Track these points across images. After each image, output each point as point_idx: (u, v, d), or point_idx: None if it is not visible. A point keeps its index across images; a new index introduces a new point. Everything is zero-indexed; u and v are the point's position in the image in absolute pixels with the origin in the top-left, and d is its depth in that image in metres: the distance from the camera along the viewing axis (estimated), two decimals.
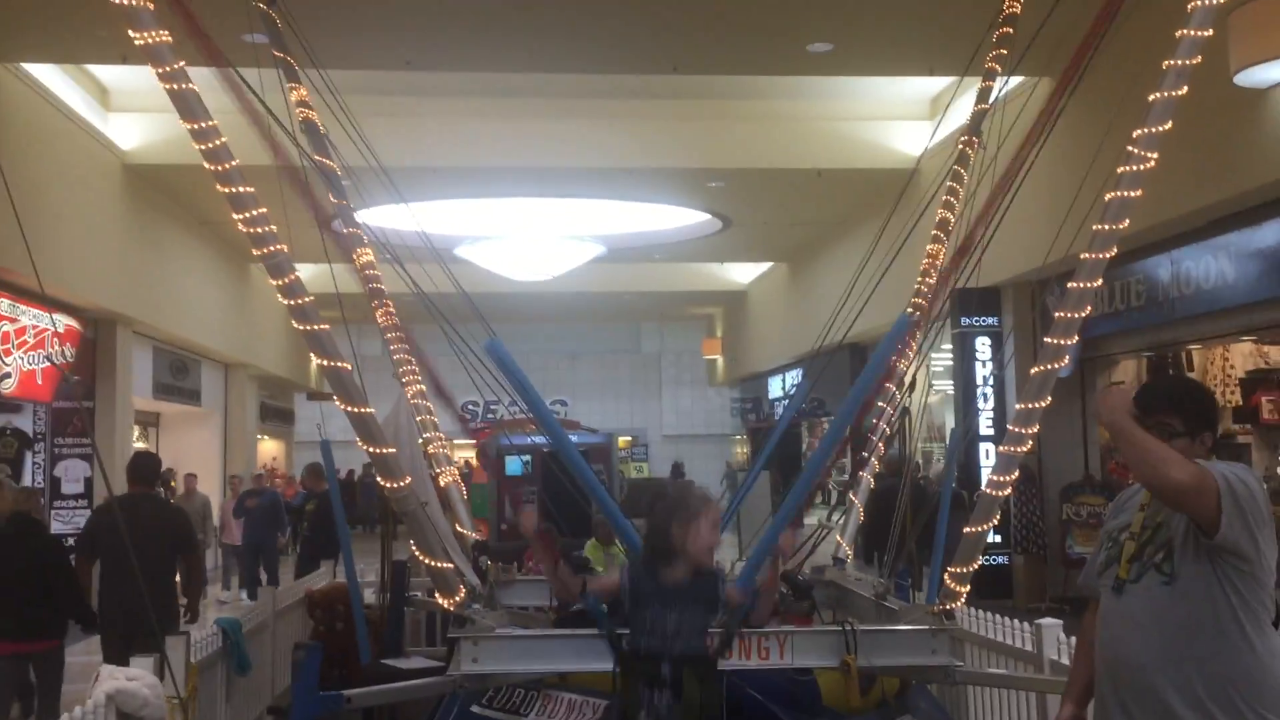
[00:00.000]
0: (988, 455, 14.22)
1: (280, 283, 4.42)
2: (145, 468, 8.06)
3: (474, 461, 22.59)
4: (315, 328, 4.48)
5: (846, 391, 5.22)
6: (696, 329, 35.08)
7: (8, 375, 13.38)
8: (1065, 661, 5.65)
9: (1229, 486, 2.96)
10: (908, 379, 6.38)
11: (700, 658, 3.93)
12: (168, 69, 4.20)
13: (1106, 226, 4.64)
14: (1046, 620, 6.02)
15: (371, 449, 4.71)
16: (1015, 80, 7.99)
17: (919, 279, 6.72)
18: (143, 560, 6.78)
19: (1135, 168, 4.61)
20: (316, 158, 6.50)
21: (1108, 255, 4.67)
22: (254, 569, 16.33)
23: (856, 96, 15.70)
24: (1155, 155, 4.61)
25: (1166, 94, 4.61)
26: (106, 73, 14.60)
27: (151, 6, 4.14)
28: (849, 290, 6.48)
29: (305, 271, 5.52)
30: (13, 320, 13.39)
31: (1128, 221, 4.65)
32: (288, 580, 8.44)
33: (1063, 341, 4.69)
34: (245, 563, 16.69)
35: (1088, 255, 4.67)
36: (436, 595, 5.15)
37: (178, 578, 8.12)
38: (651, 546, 4.06)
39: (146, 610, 6.31)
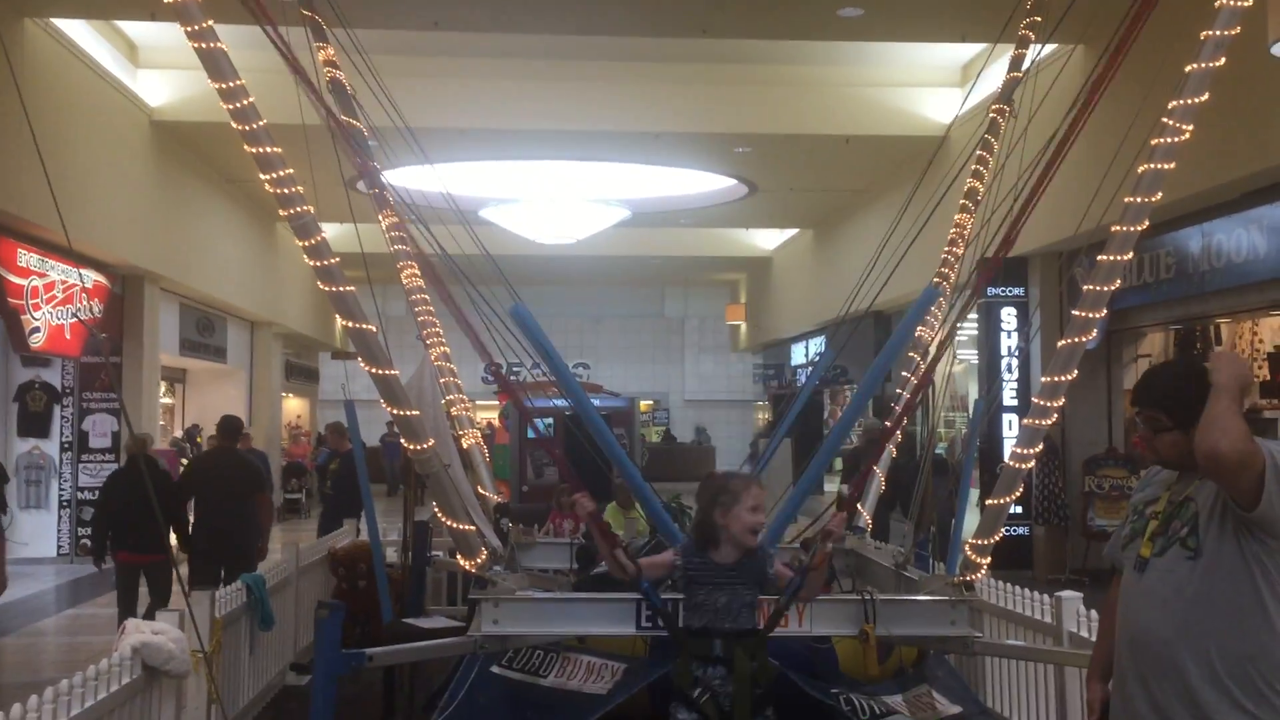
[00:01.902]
0: (1010, 426, 14.16)
1: (307, 243, 4.43)
2: (230, 427, 9.97)
3: (496, 422, 22.69)
4: (341, 289, 4.49)
5: (870, 360, 5.22)
6: (720, 294, 35.00)
7: (37, 330, 13.51)
8: (1085, 634, 5.64)
9: (1275, 463, 2.92)
10: (932, 349, 6.35)
11: (750, 633, 4.04)
12: (196, 28, 4.20)
13: (1139, 199, 4.58)
14: (1066, 593, 6.00)
15: (395, 411, 4.73)
16: (1049, 48, 7.87)
17: (946, 248, 6.67)
18: (228, 500, 9.33)
19: (1169, 140, 4.55)
20: (343, 118, 6.49)
21: (1139, 228, 4.62)
22: None
23: (886, 63, 15.52)
24: (1190, 127, 4.55)
25: (1203, 65, 4.54)
26: (135, 29, 14.60)
27: None
28: (875, 258, 6.44)
29: (330, 230, 5.53)
30: (42, 275, 13.49)
31: (1160, 194, 4.60)
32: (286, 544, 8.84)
33: (1091, 315, 4.65)
34: None
35: (1119, 228, 4.62)
36: (458, 557, 5.19)
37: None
38: (699, 532, 4.15)
39: (234, 539, 9.15)
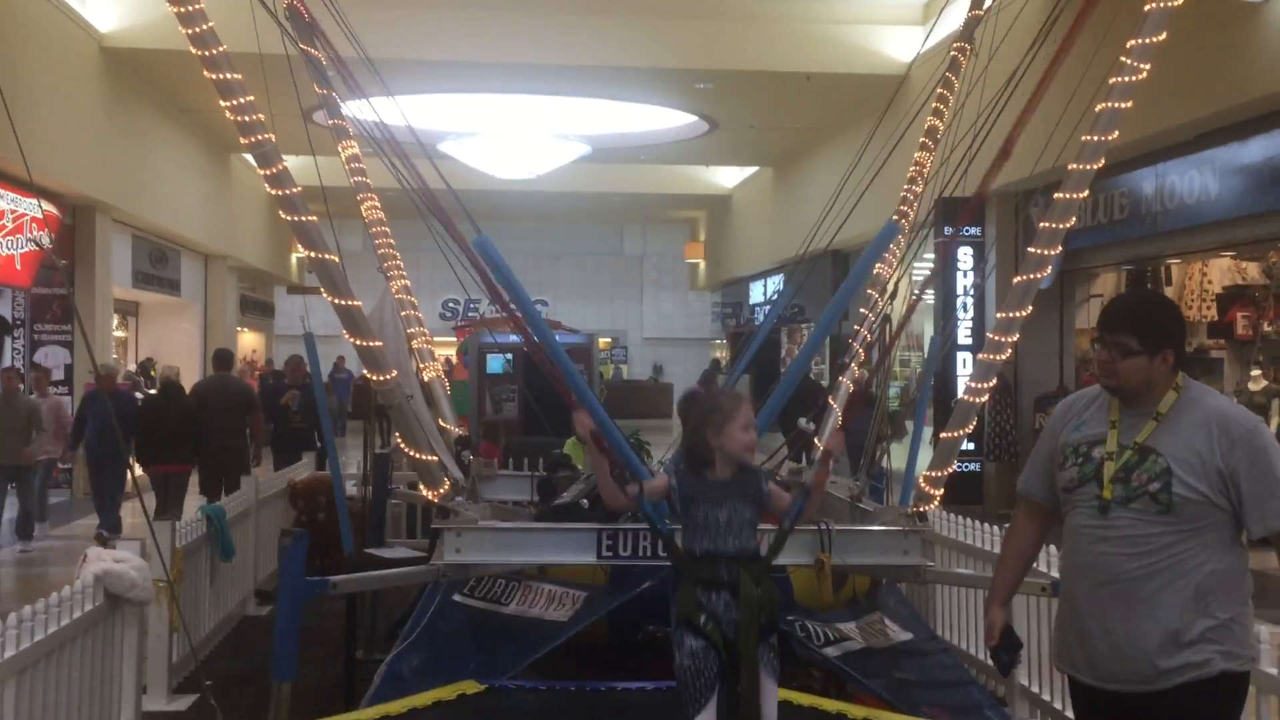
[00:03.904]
0: (965, 365, 14.34)
1: (269, 171, 4.40)
2: (225, 357, 11.91)
3: (454, 358, 22.65)
4: (303, 219, 4.47)
5: (827, 298, 5.27)
6: (679, 232, 34.98)
7: None
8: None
9: None
10: (890, 286, 6.42)
11: (754, 556, 3.86)
12: None
13: (1096, 137, 4.65)
14: None
15: (358, 342, 4.74)
16: None
17: (906, 186, 6.72)
18: (228, 420, 10.87)
19: (1127, 78, 4.61)
20: (303, 47, 6.40)
21: (1096, 166, 4.69)
22: (102, 492, 11.68)
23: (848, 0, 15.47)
24: (1147, 66, 4.61)
25: (1162, 4, 4.59)
26: None
27: None
28: (834, 197, 6.48)
29: (287, 164, 5.48)
30: None
31: (1117, 133, 4.66)
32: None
33: (1046, 252, 4.73)
34: (96, 484, 11.90)
35: (1076, 165, 4.69)
36: (420, 487, 5.23)
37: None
38: (690, 452, 3.98)
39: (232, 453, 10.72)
